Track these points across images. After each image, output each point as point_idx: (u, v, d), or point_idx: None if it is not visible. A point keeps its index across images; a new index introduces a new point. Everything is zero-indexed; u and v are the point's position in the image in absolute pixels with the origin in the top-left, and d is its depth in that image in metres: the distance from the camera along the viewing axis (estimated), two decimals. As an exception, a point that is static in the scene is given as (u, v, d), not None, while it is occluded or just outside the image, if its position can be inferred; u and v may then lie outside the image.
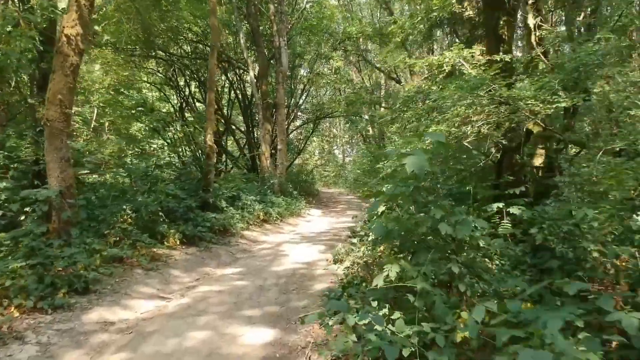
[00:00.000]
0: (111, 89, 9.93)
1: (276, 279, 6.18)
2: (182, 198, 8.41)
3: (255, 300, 5.15)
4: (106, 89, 9.69)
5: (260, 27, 17.35)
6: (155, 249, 6.90)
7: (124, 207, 7.44)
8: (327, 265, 6.89)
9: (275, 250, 8.32)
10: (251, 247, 8.74)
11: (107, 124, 9.22)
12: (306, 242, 9.11)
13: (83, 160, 6.65)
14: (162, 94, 19.36)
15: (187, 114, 18.16)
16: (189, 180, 9.57)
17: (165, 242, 7.48)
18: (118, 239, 6.79)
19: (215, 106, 19.91)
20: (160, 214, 7.54)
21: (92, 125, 8.57)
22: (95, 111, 8.56)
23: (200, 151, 13.34)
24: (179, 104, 19.35)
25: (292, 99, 20.50)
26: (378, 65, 22.97)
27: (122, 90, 9.34)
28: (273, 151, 17.45)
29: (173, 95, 19.69)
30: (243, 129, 20.94)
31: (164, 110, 18.15)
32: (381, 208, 4.54)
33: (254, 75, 16.34)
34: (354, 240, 6.77)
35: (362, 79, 27.18)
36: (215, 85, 10.44)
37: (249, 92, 19.83)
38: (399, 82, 21.44)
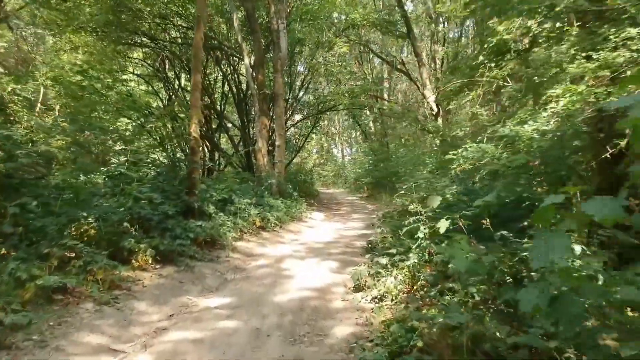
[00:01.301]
0: (72, 65, 8.15)
1: (279, 317, 4.48)
2: (157, 203, 6.68)
3: (250, 361, 3.46)
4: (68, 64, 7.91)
5: (256, 14, 15.63)
6: (116, 272, 5.17)
7: (82, 214, 5.75)
8: (346, 292, 5.21)
9: (276, 269, 6.62)
10: (245, 264, 7.03)
11: (57, 107, 7.43)
12: (313, 257, 7.42)
13: (17, 154, 4.91)
14: (149, 86, 17.65)
15: (176, 108, 16.43)
16: (168, 180, 7.84)
17: (134, 261, 5.75)
18: (74, 255, 5.10)
19: (208, 99, 18.37)
20: (126, 224, 5.80)
21: (39, 108, 6.83)
22: (42, 90, 6.83)
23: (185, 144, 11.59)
24: (167, 97, 17.68)
25: (291, 92, 18.79)
26: (383, 56, 21.37)
27: (88, 70, 7.57)
28: (270, 148, 15.74)
29: (162, 89, 18.03)
30: (237, 124, 19.23)
31: (154, 105, 16.46)
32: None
33: (250, 63, 14.59)
34: (382, 261, 5.07)
35: (364, 72, 25.57)
36: (201, 66, 8.72)
37: (243, 87, 18.16)
38: (407, 74, 19.82)
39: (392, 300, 4.38)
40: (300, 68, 19.87)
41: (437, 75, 19.50)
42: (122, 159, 8.23)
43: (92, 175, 6.57)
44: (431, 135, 20.43)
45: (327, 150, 40.87)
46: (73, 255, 5.16)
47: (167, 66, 17.64)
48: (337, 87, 18.32)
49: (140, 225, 6.65)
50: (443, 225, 3.03)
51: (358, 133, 36.81)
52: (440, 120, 18.47)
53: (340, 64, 18.54)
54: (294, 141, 22.69)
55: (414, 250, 4.30)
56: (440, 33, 19.28)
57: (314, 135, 29.14)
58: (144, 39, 15.68)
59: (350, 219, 13.62)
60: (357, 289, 5.13)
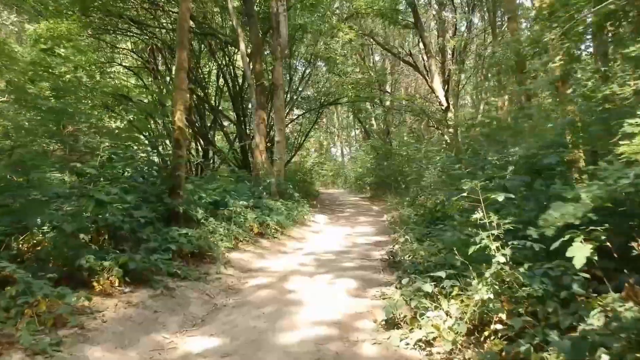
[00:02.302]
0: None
1: (288, 371, 3.16)
2: (130, 207, 5.34)
3: None
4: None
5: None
6: (65, 302, 3.81)
7: (22, 224, 4.43)
8: (376, 330, 3.87)
9: (279, 290, 5.28)
10: (240, 283, 5.69)
11: (2, 83, 6.10)
12: (324, 272, 6.08)
13: None
14: (139, 79, 16.35)
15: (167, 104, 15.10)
16: (148, 179, 6.51)
17: (95, 284, 4.42)
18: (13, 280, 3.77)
19: (202, 93, 17.05)
20: (82, 236, 4.47)
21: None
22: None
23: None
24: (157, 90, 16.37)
25: (291, 85, 17.48)
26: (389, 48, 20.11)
27: (53, 47, 6.25)
28: (269, 144, 14.43)
29: (152, 84, 16.73)
30: (233, 119, 17.95)
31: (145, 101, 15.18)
32: None
33: (246, 51, 13.25)
34: (426, 287, 3.74)
35: (367, 66, 24.30)
36: (187, 41, 7.38)
37: (240, 80, 16.84)
38: (415, 66, 18.57)
39: (449, 348, 3.07)
40: (300, 65, 18.58)
41: (447, 67, 18.24)
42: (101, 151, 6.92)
43: (48, 172, 5.22)
44: (440, 131, 19.26)
45: (327, 149, 39.67)
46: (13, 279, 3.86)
47: (158, 59, 16.39)
48: (340, 79, 17.02)
49: (110, 236, 5.35)
50: (580, 253, 1.74)
51: (358, 131, 35.64)
52: (450, 114, 17.30)
53: (345, 52, 17.23)
54: (293, 140, 21.42)
55: (484, 281, 2.99)
56: (451, 22, 18.04)
57: (313, 133, 27.90)
58: (132, 27, 14.38)
59: (358, 223, 12.33)
60: (391, 324, 3.81)
